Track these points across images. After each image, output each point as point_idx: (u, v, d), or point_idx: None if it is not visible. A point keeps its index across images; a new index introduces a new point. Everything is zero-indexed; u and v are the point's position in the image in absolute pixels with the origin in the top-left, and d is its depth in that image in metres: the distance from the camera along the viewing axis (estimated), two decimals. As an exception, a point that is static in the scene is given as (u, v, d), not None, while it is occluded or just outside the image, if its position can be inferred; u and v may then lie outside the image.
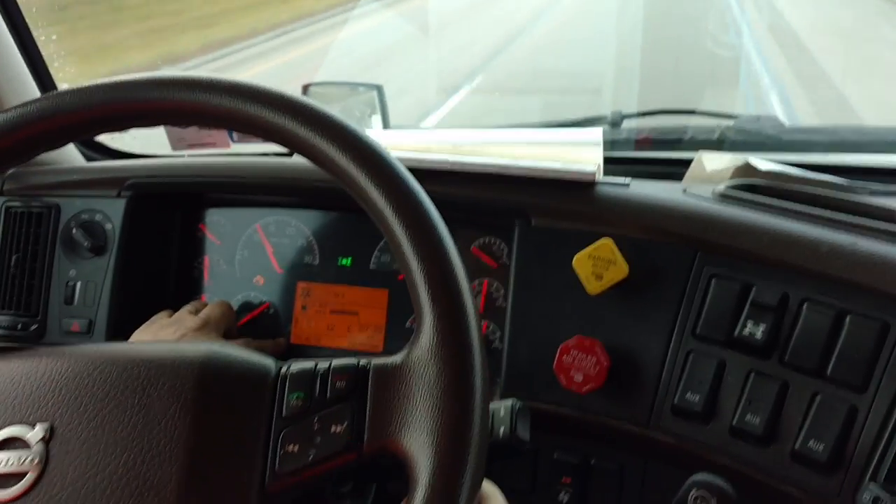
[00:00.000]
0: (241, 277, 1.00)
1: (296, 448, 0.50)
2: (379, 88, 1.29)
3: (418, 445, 0.47)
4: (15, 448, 0.50)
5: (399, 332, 0.94)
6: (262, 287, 1.00)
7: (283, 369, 0.53)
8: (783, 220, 0.74)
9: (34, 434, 0.50)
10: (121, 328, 0.95)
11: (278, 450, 0.50)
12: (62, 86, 1.14)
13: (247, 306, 1.00)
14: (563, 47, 5.78)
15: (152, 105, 0.56)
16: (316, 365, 0.52)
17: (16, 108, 0.56)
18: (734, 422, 0.69)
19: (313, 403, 0.51)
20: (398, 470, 0.57)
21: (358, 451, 0.49)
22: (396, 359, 0.51)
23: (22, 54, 1.06)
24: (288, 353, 0.97)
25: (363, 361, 0.52)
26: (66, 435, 0.50)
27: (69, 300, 0.96)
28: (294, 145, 0.55)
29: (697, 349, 0.73)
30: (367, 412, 0.50)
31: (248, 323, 0.99)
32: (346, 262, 0.97)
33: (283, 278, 0.99)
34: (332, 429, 0.50)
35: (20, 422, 0.51)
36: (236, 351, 0.55)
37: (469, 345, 0.48)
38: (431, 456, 0.46)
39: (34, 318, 0.96)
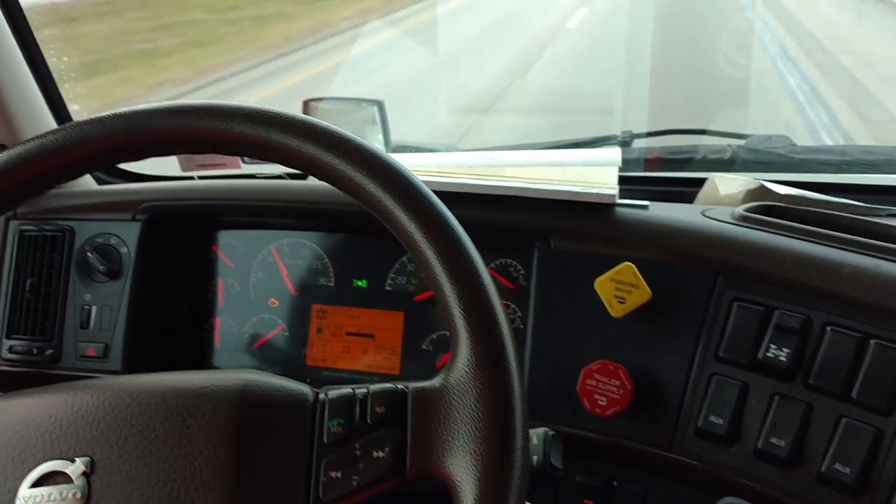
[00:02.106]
0: (256, 300, 1.00)
1: (339, 475, 0.50)
2: (380, 104, 1.29)
3: (462, 469, 0.47)
4: (56, 483, 0.50)
5: (415, 354, 0.94)
6: (276, 309, 0.99)
7: (322, 395, 0.53)
8: (804, 242, 0.74)
9: (75, 468, 0.50)
10: (136, 352, 0.95)
11: (321, 477, 0.50)
12: (72, 108, 1.14)
13: (261, 329, 0.99)
14: (573, 67, 5.79)
15: (173, 133, 0.56)
16: (354, 391, 0.52)
17: (35, 139, 0.56)
18: (759, 444, 0.69)
19: (354, 429, 0.51)
20: (431, 497, 0.57)
21: (401, 476, 0.49)
22: (434, 382, 0.51)
23: (37, 83, 1.06)
24: (303, 375, 0.97)
25: (401, 386, 0.52)
26: (107, 468, 0.50)
27: (84, 324, 0.95)
28: (316, 170, 0.55)
29: (720, 372, 0.73)
30: (409, 436, 0.50)
31: (262, 346, 0.99)
32: (362, 283, 0.97)
33: (297, 301, 0.99)
34: (375, 454, 0.50)
35: (59, 457, 0.51)
36: (272, 378, 0.55)
37: (507, 365, 0.48)
38: (476, 479, 0.46)
39: (49, 343, 0.96)
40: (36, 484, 0.50)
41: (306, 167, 0.56)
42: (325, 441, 0.51)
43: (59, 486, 0.50)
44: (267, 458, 0.50)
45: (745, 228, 0.78)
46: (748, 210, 0.81)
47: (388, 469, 0.49)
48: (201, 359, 1.01)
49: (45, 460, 0.51)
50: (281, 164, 0.57)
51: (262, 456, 0.50)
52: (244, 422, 0.51)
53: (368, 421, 0.51)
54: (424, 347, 0.94)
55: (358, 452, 0.50)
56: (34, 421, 0.52)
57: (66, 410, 0.52)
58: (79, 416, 0.52)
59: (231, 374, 0.55)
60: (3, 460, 0.51)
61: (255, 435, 0.51)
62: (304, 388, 0.54)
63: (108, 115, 0.57)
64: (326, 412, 0.52)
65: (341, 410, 0.51)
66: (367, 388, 0.53)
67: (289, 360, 0.98)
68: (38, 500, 0.49)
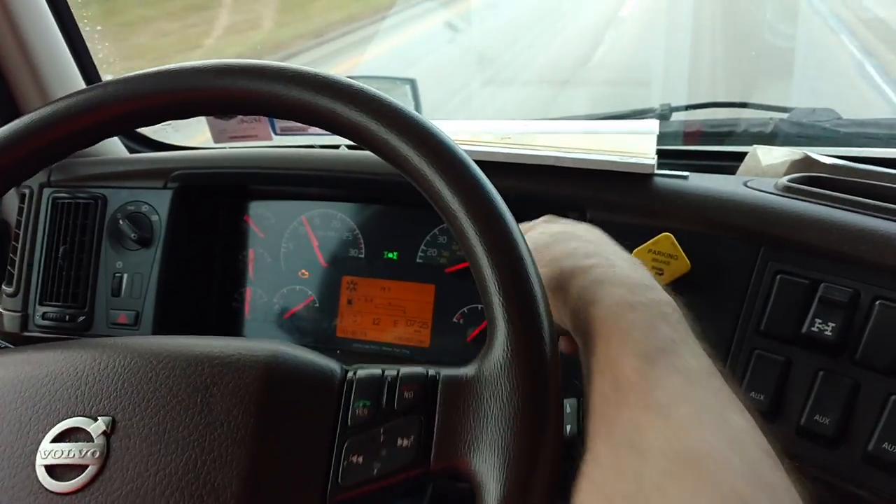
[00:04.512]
0: (286, 270, 0.99)
1: (360, 460, 0.47)
2: (412, 82, 1.28)
3: (488, 468, 0.44)
4: (77, 440, 0.50)
5: (446, 327, 0.93)
6: (306, 280, 0.99)
7: (350, 374, 0.51)
8: (852, 214, 0.71)
9: (96, 427, 0.50)
10: (167, 321, 0.95)
11: (342, 460, 0.48)
12: (105, 76, 1.14)
13: (291, 300, 0.99)
14: (612, 38, 5.67)
15: (208, 94, 0.54)
16: (383, 372, 0.50)
17: (64, 98, 0.55)
18: (802, 421, 0.67)
19: (380, 413, 0.49)
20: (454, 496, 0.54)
21: (425, 468, 0.47)
22: (468, 371, 0.48)
23: (67, 45, 1.06)
24: (333, 346, 0.96)
25: (432, 372, 0.50)
26: (127, 430, 0.49)
27: (116, 292, 0.95)
28: (358, 137, 0.53)
29: (762, 346, 0.70)
30: (436, 427, 0.47)
31: (292, 317, 0.99)
32: (393, 255, 0.95)
33: (328, 272, 0.98)
34: (399, 442, 0.47)
35: (83, 414, 0.50)
36: (301, 352, 0.53)
37: (543, 362, 0.45)
38: (501, 482, 0.44)
39: (81, 310, 0.96)
40: (57, 439, 0.50)
41: (350, 134, 0.54)
42: (349, 423, 0.49)
43: (80, 444, 0.49)
44: (288, 435, 0.49)
45: (789, 199, 0.75)
46: (792, 181, 0.78)
47: (411, 459, 0.47)
48: (232, 329, 1.01)
49: (69, 416, 0.50)
50: (325, 129, 0.56)
51: (283, 432, 0.49)
52: (268, 395, 0.49)
53: (395, 406, 0.49)
54: (455, 320, 0.92)
55: (382, 438, 0.48)
56: (62, 375, 0.52)
57: (94, 368, 0.52)
58: (104, 374, 0.51)
59: (260, 344, 0.54)
60: (30, 411, 0.51)
61: (278, 410, 0.49)
62: (333, 365, 0.52)
63: (138, 75, 0.56)
64: (354, 392, 0.50)
65: (368, 392, 0.49)
66: (396, 369, 0.50)
67: (319, 331, 0.97)
68: (58, 455, 0.49)
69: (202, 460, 0.48)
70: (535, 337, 0.46)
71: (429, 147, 0.49)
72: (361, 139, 0.52)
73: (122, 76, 0.56)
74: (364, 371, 0.51)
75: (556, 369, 0.46)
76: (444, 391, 0.48)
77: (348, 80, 0.53)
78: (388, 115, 0.50)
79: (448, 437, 0.47)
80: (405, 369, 0.50)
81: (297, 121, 0.55)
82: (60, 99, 0.56)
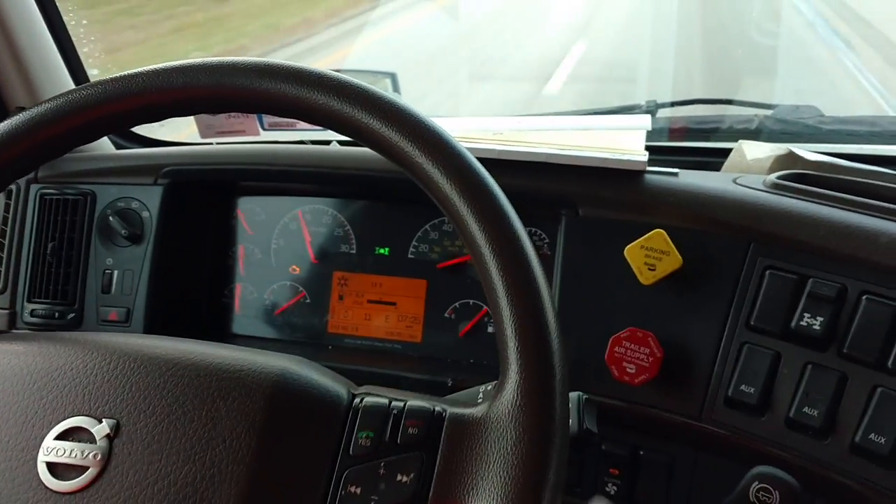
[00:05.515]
0: (277, 267, 1.00)
1: (358, 491, 0.48)
2: (393, 76, 1.29)
3: None
4: (80, 440, 0.50)
5: (438, 322, 0.93)
6: (297, 276, 0.99)
7: (356, 401, 0.51)
8: (839, 211, 0.73)
9: (100, 429, 0.50)
10: (158, 317, 0.95)
11: (339, 489, 0.48)
12: (92, 72, 1.13)
13: (282, 296, 0.99)
14: (597, 35, 5.67)
15: (199, 93, 0.55)
16: (390, 402, 0.51)
17: (53, 99, 0.55)
18: (791, 414, 0.69)
19: (382, 446, 0.49)
20: None
21: None
22: (475, 412, 0.49)
23: (55, 45, 1.05)
24: (325, 341, 0.96)
25: (439, 408, 0.50)
26: (131, 435, 0.49)
27: (106, 289, 0.95)
28: (369, 143, 0.54)
29: (752, 341, 0.72)
30: (437, 466, 0.48)
31: (283, 312, 0.99)
32: (384, 251, 0.96)
33: (319, 268, 0.98)
34: (399, 477, 0.48)
35: (87, 414, 0.50)
36: (310, 371, 0.53)
37: (552, 415, 0.46)
38: None
39: (71, 307, 0.96)
40: (61, 436, 0.50)
41: (359, 137, 0.54)
42: (351, 452, 0.49)
43: (82, 444, 0.49)
44: (289, 458, 0.49)
45: (778, 196, 0.76)
46: (781, 178, 0.80)
47: (409, 496, 0.47)
48: (222, 325, 1.01)
49: (74, 415, 0.51)
50: (330, 129, 0.56)
51: (285, 456, 0.49)
52: (273, 417, 0.50)
53: (398, 440, 0.49)
54: (447, 316, 0.93)
55: (382, 472, 0.48)
56: (71, 371, 0.52)
57: (103, 367, 0.52)
58: (113, 375, 0.51)
59: (270, 359, 0.54)
60: (36, 405, 0.51)
61: (282, 433, 0.50)
62: (340, 389, 0.53)
63: (128, 74, 0.56)
64: (358, 421, 0.50)
65: (372, 423, 0.50)
66: (404, 401, 0.51)
67: (310, 326, 0.98)
68: (60, 453, 0.49)
69: (202, 475, 0.48)
70: (547, 389, 0.46)
71: (459, 172, 0.51)
72: (377, 146, 0.52)
73: (113, 75, 0.56)
74: (371, 399, 0.51)
75: (564, 424, 0.46)
76: (449, 430, 0.49)
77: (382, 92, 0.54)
78: (418, 134, 0.52)
79: (448, 479, 0.47)
80: (412, 402, 0.50)
81: (314, 124, 0.56)
82: (62, 94, 0.56)
